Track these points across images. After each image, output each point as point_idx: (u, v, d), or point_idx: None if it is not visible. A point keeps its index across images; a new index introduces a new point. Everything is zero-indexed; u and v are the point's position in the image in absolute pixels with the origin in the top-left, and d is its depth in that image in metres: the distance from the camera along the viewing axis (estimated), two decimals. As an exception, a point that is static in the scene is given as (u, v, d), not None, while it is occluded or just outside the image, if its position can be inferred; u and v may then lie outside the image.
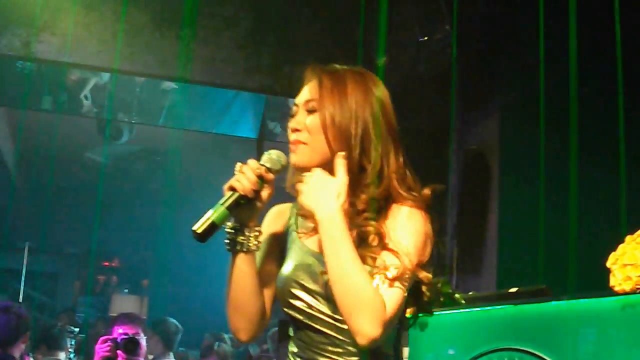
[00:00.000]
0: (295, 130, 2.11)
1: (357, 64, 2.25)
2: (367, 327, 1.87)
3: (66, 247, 13.42)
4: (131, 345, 4.95)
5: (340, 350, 2.04)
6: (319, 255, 2.03)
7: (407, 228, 2.03)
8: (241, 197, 2.03)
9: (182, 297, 11.08)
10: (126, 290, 12.77)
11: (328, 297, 2.01)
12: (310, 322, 2.07)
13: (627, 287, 2.35)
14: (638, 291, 2.33)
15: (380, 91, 2.12)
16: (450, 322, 3.11)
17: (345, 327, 1.94)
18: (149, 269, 12.81)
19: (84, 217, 10.34)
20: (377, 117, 2.08)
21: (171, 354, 6.70)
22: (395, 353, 2.11)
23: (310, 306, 2.07)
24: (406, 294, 1.98)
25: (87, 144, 10.41)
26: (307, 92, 2.13)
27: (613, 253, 2.42)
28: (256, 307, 2.13)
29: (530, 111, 4.42)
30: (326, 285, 2.00)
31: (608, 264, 2.43)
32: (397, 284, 1.94)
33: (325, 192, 2.00)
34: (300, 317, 2.08)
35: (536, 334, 2.66)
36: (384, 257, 1.97)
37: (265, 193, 2.06)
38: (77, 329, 8.99)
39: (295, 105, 2.15)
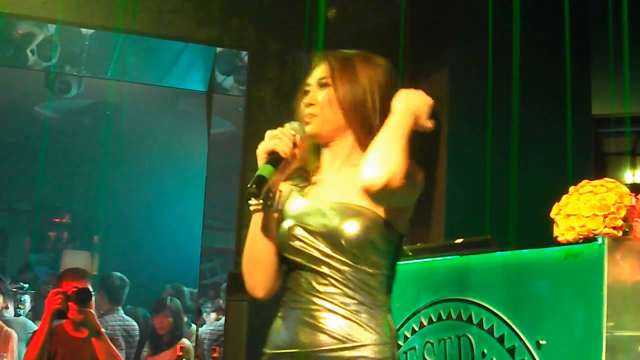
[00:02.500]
0: (309, 104, 2.32)
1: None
2: (379, 169, 2.07)
3: (16, 203, 13.26)
4: (83, 296, 4.92)
5: (335, 291, 2.19)
6: (318, 203, 2.27)
7: None
8: (280, 158, 2.21)
9: (132, 252, 11.02)
10: (77, 247, 12.69)
11: (327, 235, 2.20)
12: (308, 263, 2.22)
13: (570, 237, 2.37)
14: (581, 241, 2.35)
15: (387, 66, 2.37)
16: (397, 274, 3.12)
17: (344, 267, 2.19)
18: (100, 225, 12.73)
19: (34, 172, 10.22)
20: (389, 89, 2.30)
21: (120, 309, 6.67)
22: (387, 301, 2.26)
23: (309, 245, 2.22)
24: (411, 196, 2.23)
25: (35, 98, 10.27)
26: (319, 72, 2.35)
27: (557, 204, 2.43)
28: (275, 264, 2.29)
29: (480, 64, 4.43)
30: (325, 225, 2.21)
31: (552, 215, 2.44)
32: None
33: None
34: (299, 259, 2.23)
35: (481, 285, 2.69)
36: None
37: (297, 155, 2.26)
38: (26, 285, 8.93)
39: (308, 85, 2.36)
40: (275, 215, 2.30)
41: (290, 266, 2.26)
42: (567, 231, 2.36)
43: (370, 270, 2.22)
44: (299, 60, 5.71)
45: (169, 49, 7.43)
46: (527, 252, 2.55)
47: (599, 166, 5.58)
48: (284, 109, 5.62)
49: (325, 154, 2.37)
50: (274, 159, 2.22)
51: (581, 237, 2.34)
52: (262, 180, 2.17)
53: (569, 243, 2.38)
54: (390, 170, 2.08)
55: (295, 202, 2.33)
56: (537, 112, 4.58)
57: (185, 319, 7.21)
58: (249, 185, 2.17)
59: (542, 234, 2.54)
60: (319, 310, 2.20)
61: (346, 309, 2.19)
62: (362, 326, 2.19)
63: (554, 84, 4.64)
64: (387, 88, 2.31)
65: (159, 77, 8.49)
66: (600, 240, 2.30)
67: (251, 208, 2.25)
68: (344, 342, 2.17)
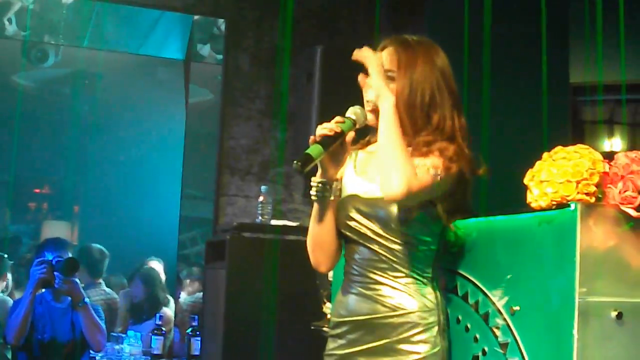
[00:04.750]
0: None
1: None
2: (395, 184, 2.33)
3: (-6, 174, 13.16)
4: (70, 265, 4.92)
5: (386, 266, 2.51)
6: (369, 184, 2.53)
7: None
8: (331, 140, 2.42)
9: (111, 222, 10.99)
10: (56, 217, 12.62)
11: (378, 217, 2.50)
12: (362, 241, 2.54)
13: (544, 203, 2.37)
14: (554, 207, 2.35)
15: (442, 60, 2.55)
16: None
17: (394, 246, 2.49)
18: (80, 195, 12.66)
19: (11, 143, 10.14)
20: (440, 86, 2.51)
21: (101, 282, 6.65)
22: (433, 273, 2.56)
23: (363, 225, 2.52)
24: (436, 188, 2.43)
25: (12, 67, 10.17)
26: (387, 61, 2.52)
27: (530, 170, 2.43)
28: (336, 243, 2.63)
29: (455, 30, 4.41)
30: (377, 208, 2.49)
31: (525, 181, 2.44)
32: (432, 170, 2.40)
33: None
34: (355, 237, 2.55)
35: (455, 252, 2.69)
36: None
37: (349, 137, 2.51)
38: (5, 255, 8.88)
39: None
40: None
41: (348, 240, 2.59)
42: (540, 197, 2.36)
43: (418, 247, 2.52)
44: (276, 27, 5.68)
45: (146, 17, 7.36)
46: (500, 218, 2.55)
47: (576, 135, 5.61)
48: (261, 76, 5.61)
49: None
50: (325, 140, 2.41)
51: (554, 203, 2.34)
52: (307, 159, 2.37)
53: (542, 209, 2.38)
54: (403, 179, 2.34)
55: (351, 180, 2.60)
56: (513, 80, 4.58)
57: (166, 288, 7.19)
58: (294, 162, 2.37)
59: (516, 201, 2.55)
60: (373, 283, 2.52)
61: (396, 281, 2.51)
62: (411, 295, 2.50)
63: (531, 51, 4.64)
64: (445, 79, 2.53)
65: (136, 46, 8.43)
66: (573, 206, 2.30)
67: (312, 198, 2.56)
68: (394, 310, 2.49)
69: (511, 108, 4.54)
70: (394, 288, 2.51)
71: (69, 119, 10.90)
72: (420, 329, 2.49)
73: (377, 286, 2.52)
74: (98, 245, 6.81)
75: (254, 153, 5.60)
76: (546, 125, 4.18)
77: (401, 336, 2.49)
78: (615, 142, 6.19)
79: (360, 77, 2.54)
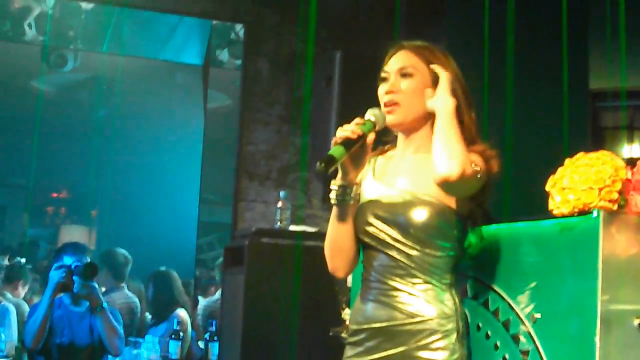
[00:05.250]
0: (391, 92, 2.53)
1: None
2: (452, 165, 2.33)
3: (13, 178, 13.22)
4: (89, 270, 4.93)
5: (404, 272, 2.49)
6: (389, 190, 2.53)
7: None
8: (353, 141, 2.42)
9: (129, 227, 11.01)
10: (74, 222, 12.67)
11: (396, 223, 2.49)
12: (380, 247, 2.52)
13: (565, 210, 2.35)
14: (576, 214, 2.34)
15: (454, 62, 2.59)
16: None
17: (412, 252, 2.47)
18: (98, 199, 12.70)
19: (30, 147, 10.19)
20: (460, 84, 2.54)
21: (124, 285, 6.67)
22: (452, 279, 2.53)
23: (381, 231, 2.51)
24: (477, 185, 2.44)
25: (32, 72, 10.21)
26: (400, 60, 2.55)
27: (552, 176, 2.42)
28: (354, 249, 2.61)
29: (477, 37, 4.40)
30: (396, 214, 2.49)
31: (547, 188, 2.43)
32: (475, 166, 2.39)
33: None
34: (373, 243, 2.54)
35: (475, 258, 2.68)
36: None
37: (369, 138, 2.49)
38: (23, 260, 8.91)
39: (386, 72, 2.57)
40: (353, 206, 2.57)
41: (365, 246, 2.58)
42: (562, 204, 2.35)
43: (437, 253, 2.50)
44: (295, 32, 5.67)
45: (165, 22, 7.39)
46: (522, 225, 2.54)
47: (596, 141, 5.58)
48: (280, 82, 5.61)
49: (401, 137, 2.62)
50: (346, 142, 2.41)
51: (576, 210, 2.32)
52: (330, 160, 2.37)
53: (564, 216, 2.36)
54: (461, 161, 2.34)
55: (369, 186, 2.60)
56: (533, 86, 4.57)
57: (183, 291, 7.20)
58: (317, 164, 2.37)
59: (538, 207, 2.53)
60: (391, 289, 2.50)
61: (414, 288, 2.48)
62: (429, 302, 2.47)
63: (551, 57, 4.62)
64: (460, 79, 2.56)
65: (156, 51, 8.45)
66: (595, 213, 2.29)
67: (332, 202, 2.54)
68: (412, 317, 2.47)
69: (532, 114, 4.53)
70: (412, 294, 2.48)
71: (87, 123, 10.95)
72: (438, 336, 2.46)
73: (394, 292, 2.50)
74: (122, 250, 6.82)
75: (272, 158, 5.59)
76: (566, 131, 4.16)
77: (419, 343, 2.46)
78: (635, 148, 6.15)
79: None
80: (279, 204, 4.71)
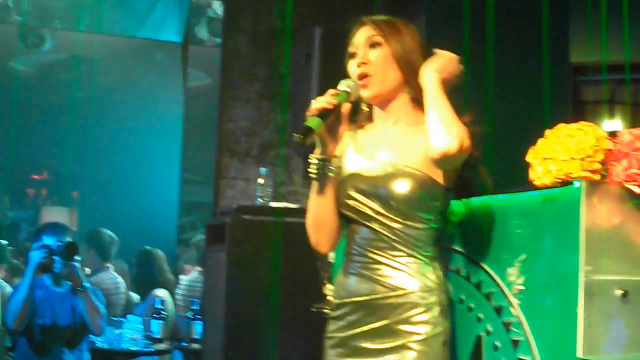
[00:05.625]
0: (362, 64, 2.49)
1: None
2: (450, 138, 2.30)
3: (-8, 160, 13.14)
4: (69, 249, 4.89)
5: (386, 245, 2.46)
6: (370, 162, 2.50)
7: None
8: (328, 112, 2.40)
9: (111, 207, 10.97)
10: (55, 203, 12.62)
11: (378, 195, 2.45)
12: (362, 220, 2.48)
13: (547, 180, 2.35)
14: (558, 185, 2.33)
15: (416, 31, 2.56)
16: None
17: (394, 225, 2.44)
18: (78, 180, 12.65)
19: (9, 129, 10.12)
20: (425, 52, 2.50)
21: (110, 266, 6.66)
22: (435, 252, 2.49)
23: (362, 204, 2.48)
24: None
25: (9, 53, 10.14)
26: (365, 32, 2.51)
27: (532, 147, 2.41)
28: (336, 223, 2.56)
29: (457, 9, 4.38)
30: (377, 186, 2.45)
31: (528, 158, 2.42)
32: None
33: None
34: (355, 216, 2.50)
35: (457, 232, 2.67)
36: None
37: (344, 108, 2.47)
38: (5, 242, 8.86)
39: (354, 46, 2.53)
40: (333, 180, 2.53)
41: (348, 220, 2.54)
42: (544, 175, 2.34)
43: (419, 226, 2.46)
44: (274, 9, 5.63)
45: (143, -1, 7.36)
46: (504, 197, 2.53)
47: (577, 115, 5.56)
48: (260, 58, 5.57)
49: (377, 110, 2.57)
50: (322, 113, 2.38)
51: (558, 180, 2.32)
52: (307, 131, 2.35)
53: (545, 187, 2.36)
54: (459, 134, 2.31)
55: (350, 159, 2.55)
56: (514, 60, 4.55)
57: (167, 270, 7.21)
58: (294, 135, 2.35)
59: (519, 179, 2.52)
60: (373, 263, 2.47)
61: (396, 261, 2.45)
62: (411, 275, 2.44)
63: (532, 30, 4.61)
64: (424, 46, 2.53)
65: (134, 29, 8.40)
66: (577, 183, 2.28)
67: (311, 176, 2.50)
68: (394, 290, 2.44)
69: (512, 88, 4.52)
70: (394, 268, 2.45)
71: (66, 104, 10.88)
72: (421, 309, 2.42)
73: (377, 266, 2.47)
74: (108, 231, 6.83)
75: (253, 135, 5.56)
76: (548, 105, 4.15)
77: (401, 317, 2.42)
78: (615, 123, 6.16)
79: None
80: (260, 181, 4.68)
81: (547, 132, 2.40)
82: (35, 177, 13.41)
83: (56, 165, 12.94)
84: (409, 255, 2.45)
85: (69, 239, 5.10)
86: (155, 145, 10.66)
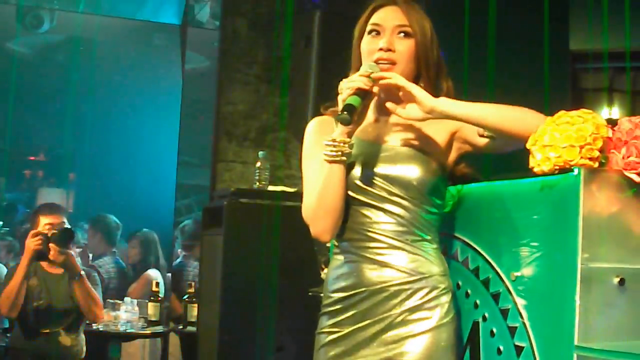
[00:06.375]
0: (388, 50, 2.45)
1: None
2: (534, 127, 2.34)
3: (-11, 142, 13.11)
4: (65, 236, 4.87)
5: (403, 229, 2.42)
6: (384, 145, 2.48)
7: None
8: (366, 91, 2.37)
9: (107, 189, 10.97)
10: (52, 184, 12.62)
11: (393, 178, 2.42)
12: (375, 202, 2.42)
13: (546, 167, 2.34)
14: (556, 172, 2.33)
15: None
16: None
17: (411, 206, 2.41)
18: (75, 162, 12.64)
19: (6, 110, 10.09)
20: (438, 44, 2.53)
21: (115, 251, 6.69)
22: (439, 238, 2.51)
23: (377, 186, 2.43)
24: None
25: (7, 34, 10.10)
26: (396, 17, 2.48)
27: (532, 134, 2.40)
28: (342, 209, 2.44)
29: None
30: (395, 169, 2.43)
31: (527, 145, 2.41)
32: None
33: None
34: (365, 199, 2.43)
35: (455, 217, 2.67)
36: None
37: (375, 89, 2.40)
38: (0, 223, 8.87)
39: (379, 25, 2.49)
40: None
41: (358, 204, 2.46)
42: (543, 162, 2.33)
43: (432, 210, 2.47)
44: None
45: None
46: (502, 183, 2.52)
47: (576, 102, 5.57)
48: (259, 41, 5.55)
49: (379, 97, 2.52)
50: (360, 92, 2.35)
51: (557, 168, 2.31)
52: (351, 109, 2.33)
53: (544, 174, 2.35)
54: (537, 118, 2.40)
55: (360, 142, 2.48)
56: (514, 46, 4.55)
57: (159, 253, 7.23)
58: (339, 112, 2.33)
59: (518, 165, 2.52)
60: (384, 247, 2.42)
61: (412, 245, 2.42)
62: (428, 260, 2.43)
63: (532, 18, 4.60)
64: (435, 40, 2.54)
65: (133, 10, 8.37)
66: (576, 171, 2.27)
67: (327, 159, 2.39)
68: (412, 275, 2.40)
69: (512, 75, 4.51)
70: (410, 252, 2.42)
71: (64, 85, 10.85)
72: (437, 293, 2.42)
73: (388, 250, 2.42)
74: (113, 216, 6.86)
75: (251, 118, 5.55)
76: (547, 93, 4.15)
77: (418, 302, 2.41)
78: (614, 110, 6.16)
79: (390, 105, 2.45)
80: (258, 164, 4.68)
81: (547, 119, 2.39)
82: (32, 158, 13.39)
83: (53, 147, 12.93)
84: (425, 240, 2.45)
85: (65, 220, 5.08)
86: (153, 127, 10.63)
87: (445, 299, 2.43)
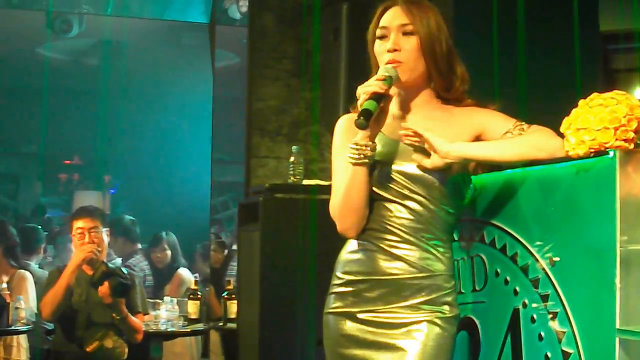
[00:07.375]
0: (394, 50, 2.50)
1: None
2: (559, 144, 2.41)
3: (24, 147, 13.25)
4: (120, 289, 4.92)
5: (421, 227, 2.48)
6: (395, 141, 2.52)
7: None
8: (382, 95, 2.41)
9: (143, 190, 11.04)
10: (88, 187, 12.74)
11: (417, 176, 2.48)
12: (397, 199, 2.49)
13: (581, 151, 2.32)
14: (592, 155, 2.31)
15: (437, 10, 2.58)
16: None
17: (432, 206, 2.47)
18: (110, 164, 12.74)
19: (39, 115, 10.19)
20: (449, 36, 2.56)
21: (139, 247, 6.76)
22: (448, 237, 2.57)
23: (399, 184, 2.49)
24: None
25: (37, 39, 10.19)
26: (398, 16, 2.52)
27: (566, 118, 2.39)
28: (367, 207, 2.52)
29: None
30: (417, 167, 2.47)
31: (561, 129, 2.40)
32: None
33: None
34: (388, 195, 2.49)
35: (492, 204, 2.66)
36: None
37: (392, 92, 2.45)
38: (39, 227, 8.94)
39: (385, 28, 2.54)
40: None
41: (376, 198, 2.52)
42: (578, 145, 2.32)
43: (451, 210, 2.53)
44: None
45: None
46: (537, 168, 2.51)
47: (608, 84, 5.51)
48: (287, 36, 5.55)
49: (400, 96, 2.59)
50: (376, 96, 2.39)
51: (592, 150, 2.30)
52: (368, 114, 2.37)
53: (579, 158, 2.34)
54: (558, 142, 2.43)
55: (385, 139, 2.53)
56: (544, 28, 4.51)
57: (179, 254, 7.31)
58: (356, 118, 2.37)
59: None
60: (399, 241, 2.49)
61: (426, 243, 2.49)
62: (438, 258, 2.50)
63: (561, 1, 4.56)
64: (445, 32, 2.55)
65: (160, 11, 8.41)
66: (611, 153, 2.26)
67: (351, 162, 2.45)
68: (421, 271, 2.48)
69: (543, 58, 4.47)
70: (423, 249, 2.50)
71: (95, 88, 10.94)
72: (444, 291, 2.51)
73: (404, 245, 2.50)
74: (127, 215, 6.92)
75: (283, 113, 5.54)
76: (578, 75, 4.11)
77: (426, 298, 2.49)
78: (648, 91, 6.09)
79: (416, 157, 2.50)
80: (292, 159, 4.68)
81: (580, 102, 2.38)
82: (67, 162, 13.52)
83: (87, 150, 13.04)
84: (439, 239, 2.52)
85: (98, 222, 5.12)
86: (186, 126, 10.69)
87: (451, 298, 2.52)
